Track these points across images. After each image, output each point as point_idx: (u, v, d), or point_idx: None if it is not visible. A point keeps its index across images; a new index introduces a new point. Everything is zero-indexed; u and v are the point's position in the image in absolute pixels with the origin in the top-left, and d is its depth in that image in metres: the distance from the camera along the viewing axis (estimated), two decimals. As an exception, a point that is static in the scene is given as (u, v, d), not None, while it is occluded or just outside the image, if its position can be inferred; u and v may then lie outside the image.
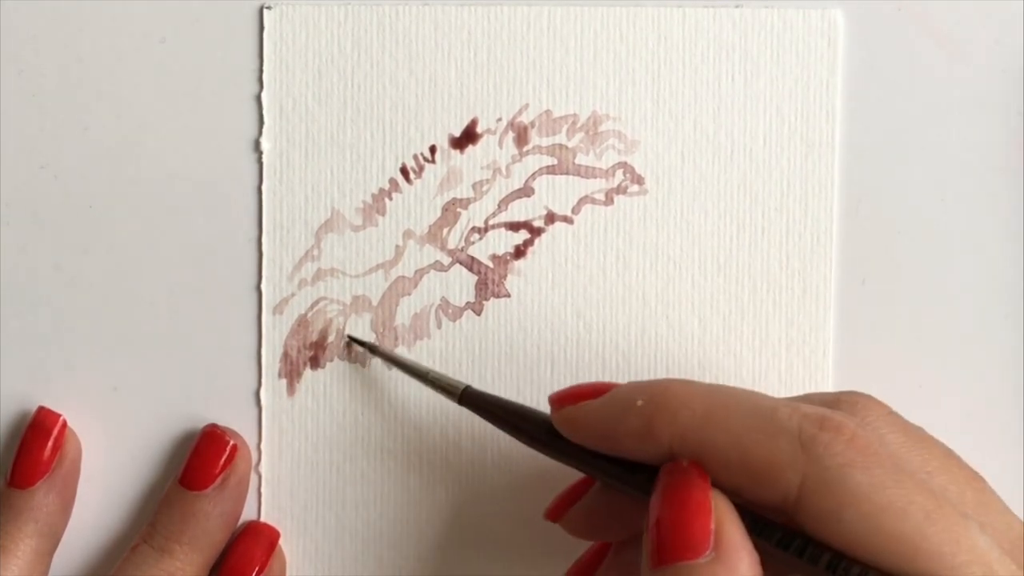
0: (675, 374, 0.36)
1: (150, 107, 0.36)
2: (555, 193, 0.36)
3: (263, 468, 0.36)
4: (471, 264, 0.36)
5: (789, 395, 0.35)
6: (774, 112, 0.36)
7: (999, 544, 0.26)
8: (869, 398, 0.30)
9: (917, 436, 0.29)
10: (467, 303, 0.36)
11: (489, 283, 0.36)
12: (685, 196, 0.36)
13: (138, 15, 0.36)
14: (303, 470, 0.36)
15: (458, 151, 0.36)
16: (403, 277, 0.36)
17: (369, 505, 0.36)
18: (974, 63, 0.37)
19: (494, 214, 0.36)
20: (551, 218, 0.36)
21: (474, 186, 0.36)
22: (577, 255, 0.36)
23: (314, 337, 0.36)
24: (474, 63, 0.36)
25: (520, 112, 0.36)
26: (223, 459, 0.35)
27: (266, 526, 0.36)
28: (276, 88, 0.36)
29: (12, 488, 0.35)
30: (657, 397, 0.28)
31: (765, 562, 0.26)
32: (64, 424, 0.35)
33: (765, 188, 0.36)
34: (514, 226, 0.36)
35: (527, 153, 0.36)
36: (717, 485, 0.27)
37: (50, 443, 0.35)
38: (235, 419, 0.36)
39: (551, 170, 0.36)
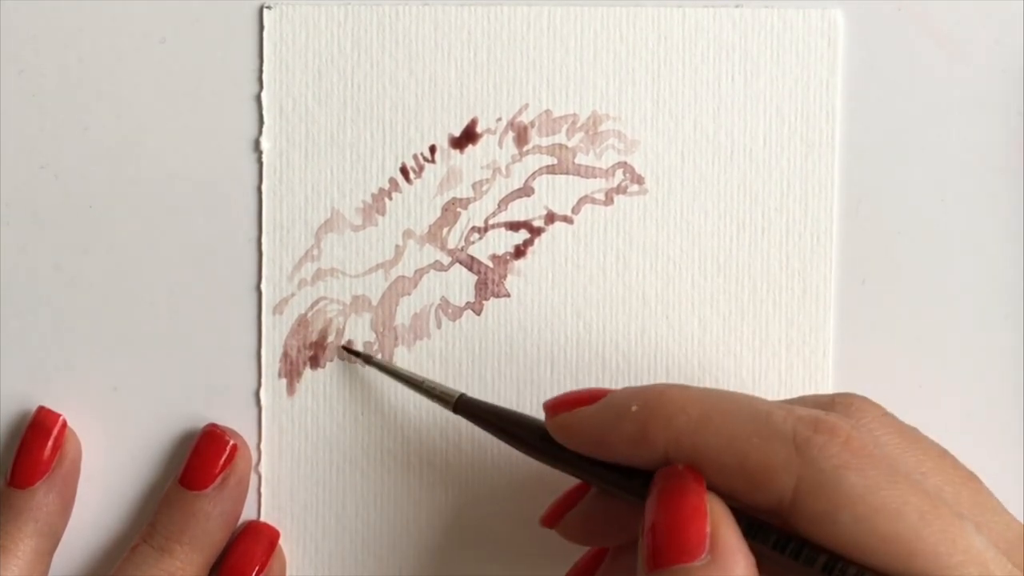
0: (675, 374, 0.36)
1: (150, 107, 0.36)
2: (555, 193, 0.36)
3: (263, 468, 0.36)
4: (471, 264, 0.36)
5: (789, 396, 0.35)
6: (774, 112, 0.36)
7: (996, 544, 0.26)
8: (863, 399, 0.30)
9: (912, 437, 0.29)
10: (467, 303, 0.36)
11: (489, 283, 0.36)
12: (685, 196, 0.36)
13: (138, 15, 0.36)
14: (303, 470, 0.36)
15: (458, 151, 0.36)
16: (403, 277, 0.36)
17: (369, 505, 0.36)
18: (974, 63, 0.37)
19: (494, 214, 0.36)
20: (551, 218, 0.36)
21: (474, 186, 0.36)
22: (577, 255, 0.36)
23: (314, 337, 0.36)
24: (474, 63, 0.36)
25: (520, 112, 0.36)
26: (223, 459, 0.35)
27: (266, 526, 0.36)
28: (276, 88, 0.36)
29: (12, 488, 0.35)
30: (651, 402, 0.28)
31: (761, 565, 0.26)
32: (64, 424, 0.35)
33: (765, 188, 0.36)
34: (514, 226, 0.36)
35: (527, 153, 0.36)
36: (712, 489, 0.27)
37: (50, 443, 0.35)
38: (235, 419, 0.36)
39: (551, 170, 0.36)
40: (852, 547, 0.25)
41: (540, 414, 0.31)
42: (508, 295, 0.36)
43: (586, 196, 0.36)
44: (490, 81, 0.36)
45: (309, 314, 0.36)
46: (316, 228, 0.36)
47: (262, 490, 0.36)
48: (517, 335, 0.36)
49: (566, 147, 0.36)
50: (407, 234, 0.36)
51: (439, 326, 0.36)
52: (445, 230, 0.36)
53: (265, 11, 0.36)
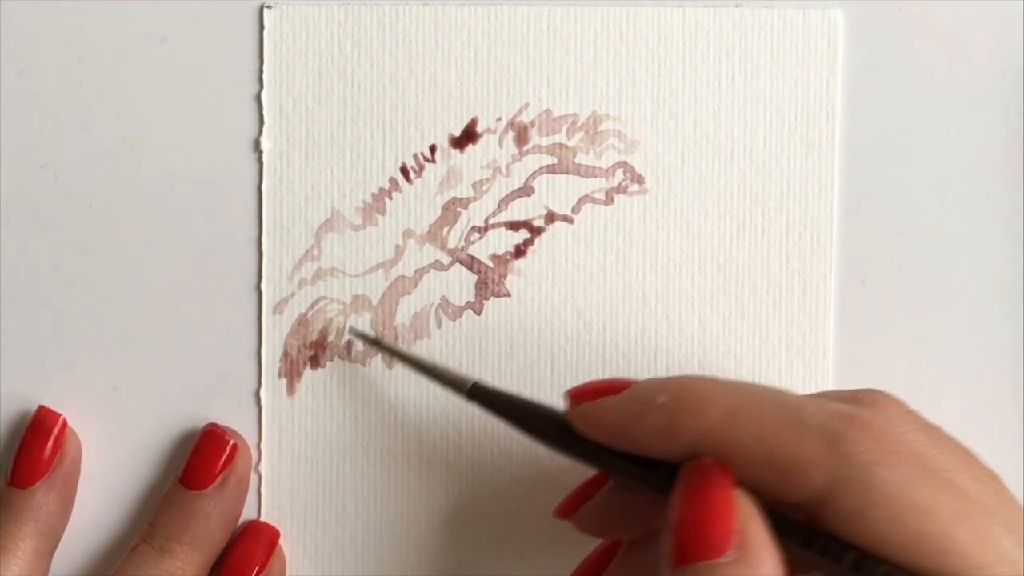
0: (674, 374, 0.36)
1: (150, 107, 0.36)
2: (555, 192, 0.36)
3: (263, 468, 0.36)
4: (471, 263, 0.36)
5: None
6: (774, 112, 0.36)
7: (1022, 544, 0.25)
8: (887, 396, 0.29)
9: (936, 434, 0.28)
10: (467, 302, 0.36)
11: (489, 282, 0.36)
12: (685, 196, 0.36)
13: (138, 15, 0.36)
14: (303, 470, 0.36)
15: (458, 150, 0.36)
16: (403, 276, 0.36)
17: (369, 505, 0.36)
18: (974, 63, 0.37)
19: (494, 213, 0.36)
20: (551, 217, 0.36)
21: (474, 185, 0.36)
22: (577, 255, 0.36)
23: (314, 336, 0.36)
24: (474, 63, 0.36)
25: (520, 112, 0.36)
26: (223, 459, 0.35)
27: (266, 526, 0.36)
28: (276, 88, 0.36)
29: (12, 488, 0.34)
30: (680, 394, 0.27)
31: (786, 561, 0.26)
32: (64, 424, 0.35)
33: (765, 188, 0.36)
34: (514, 225, 0.36)
35: (527, 152, 0.36)
36: (740, 483, 0.26)
37: (50, 443, 0.35)
38: (235, 419, 0.36)
39: (551, 169, 0.36)
40: (882, 544, 0.25)
41: (541, 413, 0.31)
42: (508, 295, 0.36)
43: (586, 196, 0.36)
44: (490, 81, 0.36)
45: (309, 314, 0.36)
46: (316, 228, 0.36)
47: (262, 490, 0.36)
48: (517, 335, 0.36)
49: (566, 147, 0.36)
50: (407, 234, 0.36)
51: (439, 326, 0.36)
52: (445, 230, 0.36)
53: (265, 11, 0.36)
